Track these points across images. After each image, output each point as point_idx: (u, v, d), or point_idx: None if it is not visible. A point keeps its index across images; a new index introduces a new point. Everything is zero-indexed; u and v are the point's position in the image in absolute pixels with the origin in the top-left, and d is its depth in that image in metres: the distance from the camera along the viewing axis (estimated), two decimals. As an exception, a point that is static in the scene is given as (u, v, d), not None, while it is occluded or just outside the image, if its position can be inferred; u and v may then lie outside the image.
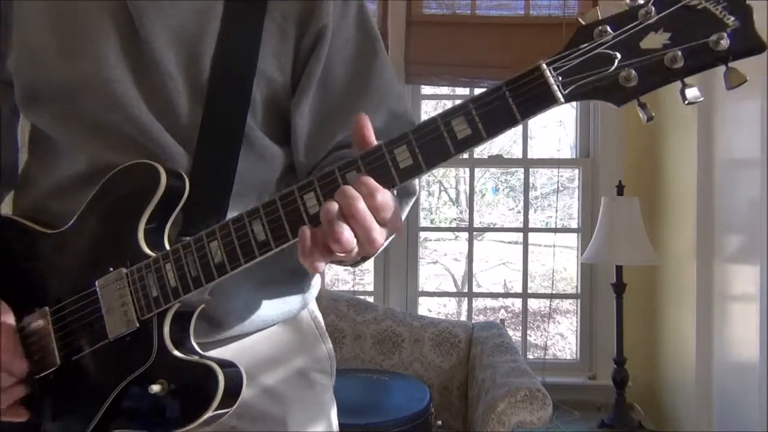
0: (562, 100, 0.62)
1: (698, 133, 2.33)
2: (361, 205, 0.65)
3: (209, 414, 0.75)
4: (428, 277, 5.34)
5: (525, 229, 3.14)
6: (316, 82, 0.88)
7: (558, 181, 3.26)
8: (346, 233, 0.65)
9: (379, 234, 0.68)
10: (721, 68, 0.60)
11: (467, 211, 3.44)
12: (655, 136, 2.82)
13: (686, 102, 0.61)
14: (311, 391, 0.99)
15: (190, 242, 0.76)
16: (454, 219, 5.81)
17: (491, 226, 5.71)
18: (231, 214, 0.78)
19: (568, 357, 4.26)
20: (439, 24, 2.90)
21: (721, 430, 2.23)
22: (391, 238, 0.77)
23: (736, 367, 2.18)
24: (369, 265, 1.85)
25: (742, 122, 2.15)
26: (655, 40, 0.60)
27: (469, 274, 3.46)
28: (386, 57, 0.94)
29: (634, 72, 0.60)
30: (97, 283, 0.82)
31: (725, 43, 0.58)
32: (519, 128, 3.33)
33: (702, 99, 0.61)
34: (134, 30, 0.84)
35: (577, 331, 3.09)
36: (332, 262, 0.73)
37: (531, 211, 3.64)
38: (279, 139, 0.91)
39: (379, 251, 0.76)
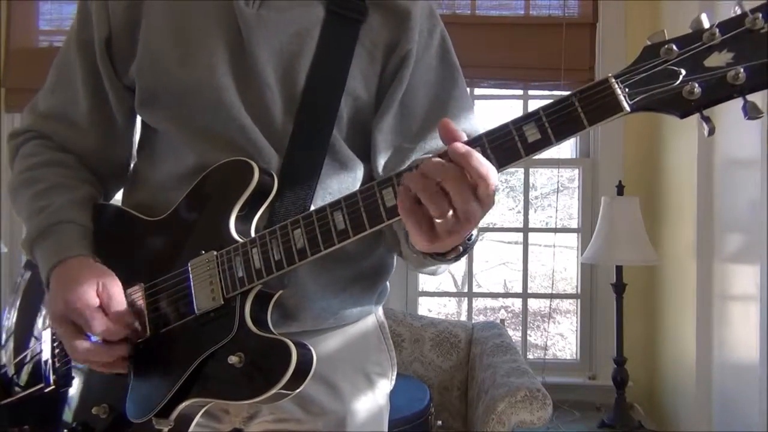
0: (628, 109, 0.66)
1: (698, 133, 2.33)
2: (454, 170, 0.68)
3: (279, 387, 0.81)
4: (428, 277, 5.34)
5: (525, 229, 3.14)
6: (397, 103, 0.97)
7: (558, 181, 3.26)
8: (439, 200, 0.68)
9: (479, 210, 0.70)
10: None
11: (467, 211, 3.42)
12: (655, 136, 2.82)
13: (747, 117, 0.65)
14: (371, 394, 1.04)
15: (276, 229, 0.84)
16: (454, 219, 5.78)
17: (491, 226, 5.71)
18: None
19: (568, 357, 4.27)
20: (439, 24, 2.90)
21: (721, 430, 2.23)
22: (476, 237, 0.81)
23: (736, 367, 2.18)
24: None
25: (742, 122, 2.14)
26: (718, 59, 0.64)
27: (469, 274, 3.46)
28: (465, 85, 1.03)
29: (697, 86, 0.64)
30: (189, 263, 0.91)
31: None
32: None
33: (763, 115, 0.65)
34: (242, 45, 0.94)
35: (577, 331, 3.09)
36: (432, 253, 0.78)
37: (531, 211, 3.64)
38: (361, 153, 0.99)
39: (472, 242, 0.80)
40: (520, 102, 3.17)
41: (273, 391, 0.81)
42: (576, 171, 3.11)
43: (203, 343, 0.88)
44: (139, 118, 1.07)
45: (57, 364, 1.02)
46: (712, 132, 0.66)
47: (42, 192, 1.00)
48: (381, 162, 0.96)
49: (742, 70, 0.63)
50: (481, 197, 0.69)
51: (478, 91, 3.13)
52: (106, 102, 1.03)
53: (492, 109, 3.55)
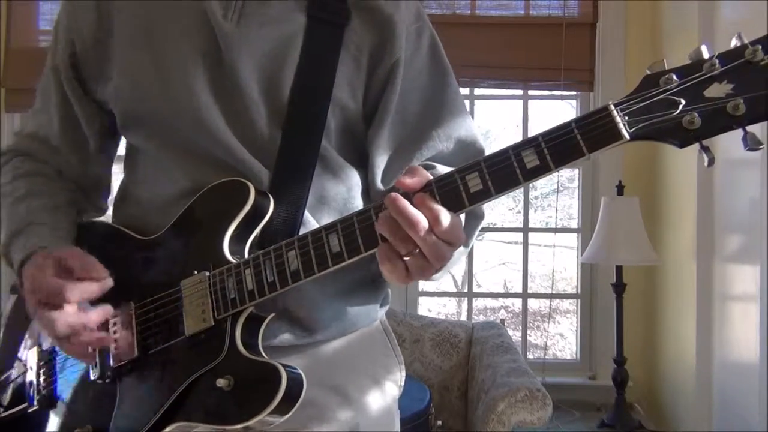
0: (628, 137, 0.66)
1: (698, 133, 2.33)
2: (430, 236, 0.71)
3: (268, 411, 0.79)
4: (428, 277, 5.34)
5: (525, 229, 3.15)
6: (392, 114, 0.95)
7: (558, 181, 3.27)
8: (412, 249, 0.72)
9: (446, 249, 0.73)
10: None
11: (467, 211, 3.42)
12: (655, 136, 2.82)
13: (747, 148, 0.65)
14: (382, 399, 1.03)
15: (270, 251, 0.83)
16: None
17: (491, 226, 5.70)
18: None
19: (568, 357, 4.27)
20: (439, 24, 2.85)
21: (721, 430, 2.23)
22: (466, 251, 0.83)
23: (736, 367, 2.18)
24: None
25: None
26: (718, 90, 0.64)
27: (469, 274, 3.46)
28: (457, 87, 1.01)
29: (697, 117, 0.64)
30: (181, 283, 0.89)
31: None
32: (519, 128, 3.34)
33: (763, 146, 0.65)
34: (221, 60, 0.91)
35: (577, 331, 3.09)
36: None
37: (531, 211, 3.64)
38: (354, 161, 0.97)
39: (456, 263, 0.82)
40: (520, 102, 3.17)
41: (261, 415, 0.79)
42: (576, 171, 3.11)
43: (192, 364, 0.86)
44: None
45: (41, 384, 0.99)
46: (711, 162, 0.66)
47: (20, 198, 1.00)
48: (379, 174, 0.95)
49: (741, 101, 0.63)
50: (442, 238, 0.72)
51: (478, 91, 3.13)
52: (78, 125, 1.03)
53: (492, 109, 3.54)
